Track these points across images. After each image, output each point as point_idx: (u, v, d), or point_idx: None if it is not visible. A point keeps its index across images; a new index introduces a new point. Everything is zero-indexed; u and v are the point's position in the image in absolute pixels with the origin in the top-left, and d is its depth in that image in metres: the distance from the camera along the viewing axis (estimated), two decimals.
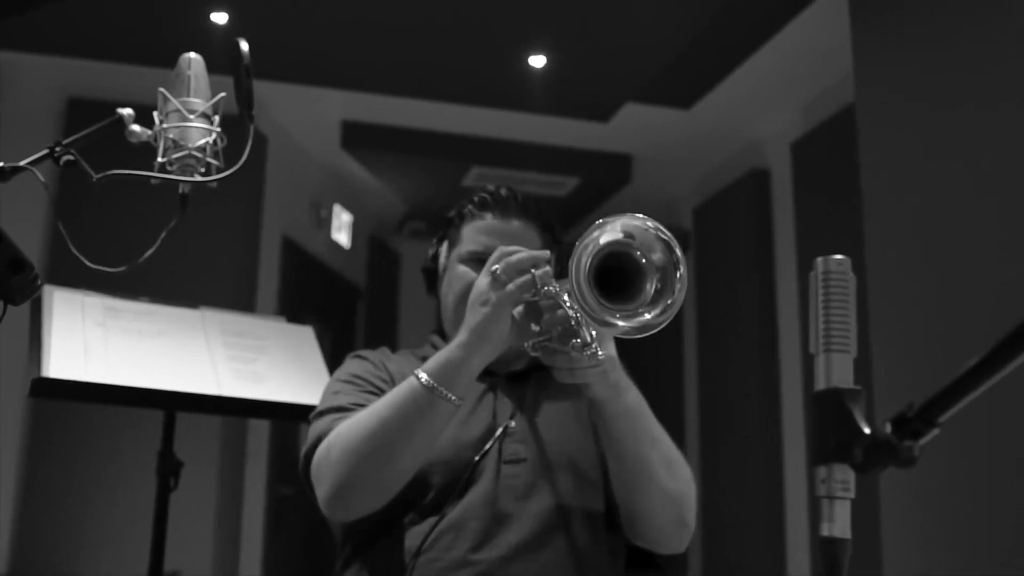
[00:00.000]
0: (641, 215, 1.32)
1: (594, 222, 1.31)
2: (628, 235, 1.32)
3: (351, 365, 1.78)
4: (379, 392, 1.65)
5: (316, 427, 1.62)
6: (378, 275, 6.77)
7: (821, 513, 0.82)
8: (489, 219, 1.76)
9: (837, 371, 0.84)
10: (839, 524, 0.81)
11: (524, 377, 1.76)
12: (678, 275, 1.32)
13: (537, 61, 4.47)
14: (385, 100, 4.98)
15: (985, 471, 2.55)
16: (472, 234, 1.76)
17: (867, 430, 0.77)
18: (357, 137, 5.40)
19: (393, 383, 1.67)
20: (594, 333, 1.38)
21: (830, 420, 0.81)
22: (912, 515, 2.78)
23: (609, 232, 1.31)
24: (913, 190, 2.94)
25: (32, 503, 4.20)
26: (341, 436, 1.52)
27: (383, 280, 6.86)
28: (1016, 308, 2.50)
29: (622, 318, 1.31)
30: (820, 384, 0.84)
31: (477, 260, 1.69)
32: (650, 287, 1.32)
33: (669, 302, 1.32)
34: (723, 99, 4.78)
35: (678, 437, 5.69)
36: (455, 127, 5.36)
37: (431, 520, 1.55)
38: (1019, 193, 2.56)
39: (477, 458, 1.59)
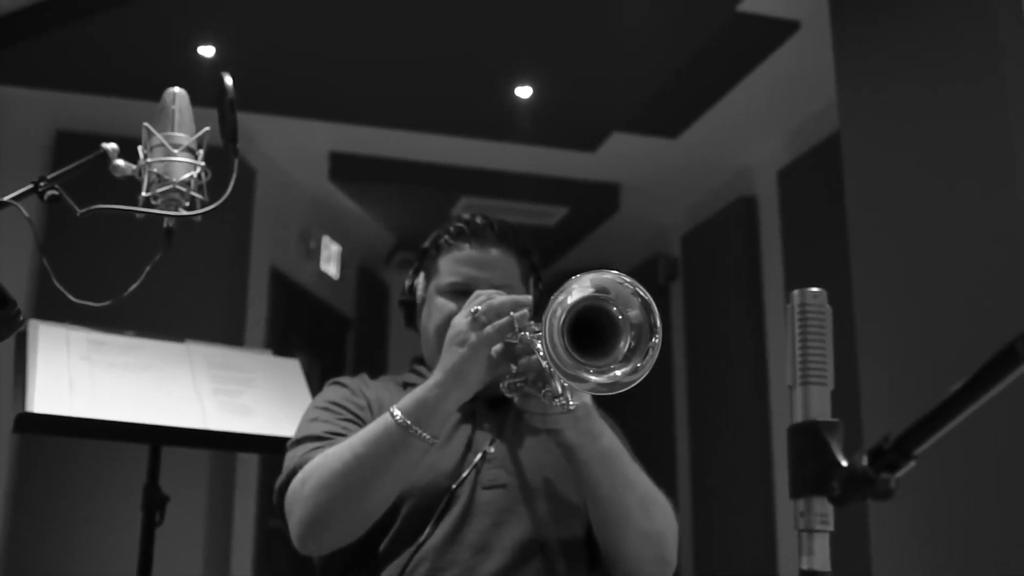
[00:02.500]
0: (617, 272, 1.33)
1: (573, 275, 1.32)
2: (602, 290, 1.32)
3: (329, 392, 1.77)
4: (356, 419, 1.65)
5: (291, 457, 1.61)
6: (367, 306, 6.76)
7: (800, 546, 0.82)
8: (467, 249, 1.75)
9: (815, 403, 0.84)
10: (819, 557, 0.81)
11: (504, 402, 1.75)
12: (653, 340, 1.32)
13: (524, 92, 4.49)
14: (373, 131, 4.99)
15: (975, 487, 2.55)
16: (450, 265, 1.75)
17: (844, 463, 0.77)
18: (345, 168, 5.41)
19: (371, 410, 1.68)
20: (565, 384, 1.38)
21: (808, 453, 0.81)
22: (902, 541, 2.78)
23: (583, 287, 1.31)
24: (898, 217, 2.96)
25: (17, 539, 4.16)
26: (315, 471, 1.51)
27: (372, 311, 6.85)
28: (1003, 336, 2.50)
29: (594, 373, 1.31)
30: (798, 417, 0.84)
31: (456, 292, 1.70)
32: (624, 345, 1.32)
33: (639, 364, 1.32)
34: (710, 128, 4.80)
35: (668, 465, 5.66)
36: (443, 158, 5.37)
37: (408, 551, 1.54)
38: (1006, 221, 2.57)
39: (455, 486, 1.58)
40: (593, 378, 1.30)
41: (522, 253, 1.78)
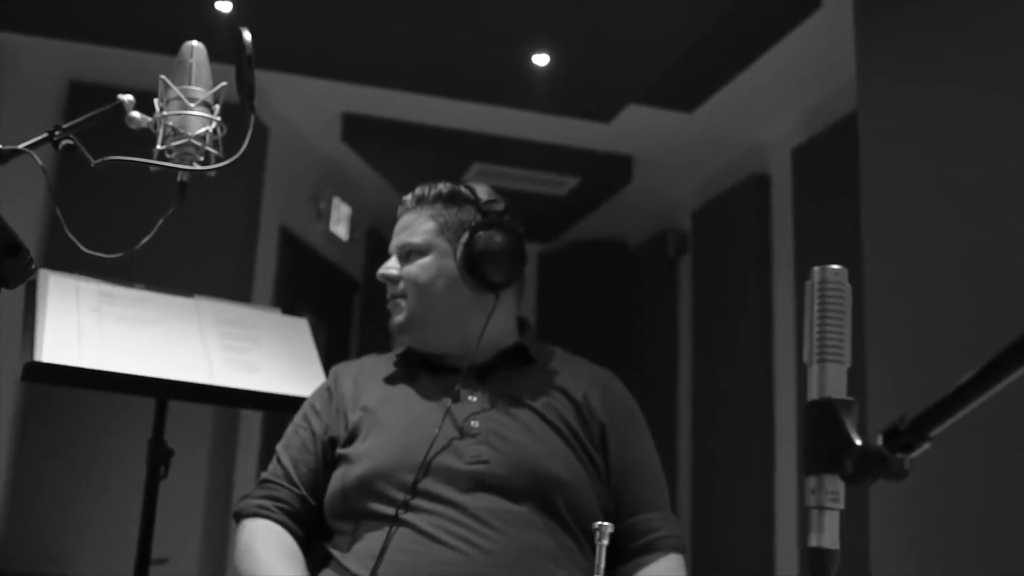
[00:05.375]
0: None
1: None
2: None
3: (312, 394, 1.88)
4: (310, 432, 1.77)
5: (273, 460, 1.79)
6: (375, 268, 6.69)
7: (810, 523, 0.82)
8: (397, 221, 1.86)
9: (831, 381, 0.84)
10: (828, 535, 0.81)
11: (489, 372, 1.76)
12: None
13: (541, 60, 4.47)
14: (387, 94, 4.97)
15: (975, 479, 2.55)
16: None
17: (859, 442, 0.77)
18: (358, 130, 5.39)
19: (345, 408, 1.76)
20: None
21: (822, 430, 0.80)
22: (901, 525, 2.78)
23: None
24: (913, 199, 2.94)
25: (22, 488, 4.19)
26: (238, 556, 1.66)
27: None
28: (1017, 320, 2.50)
29: None
30: (813, 394, 0.84)
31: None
32: None
33: None
34: (726, 103, 4.78)
35: (670, 440, 5.69)
36: (456, 123, 5.35)
37: (388, 524, 1.56)
38: (1021, 202, 2.56)
39: (428, 462, 1.59)
40: None
41: (447, 206, 1.79)
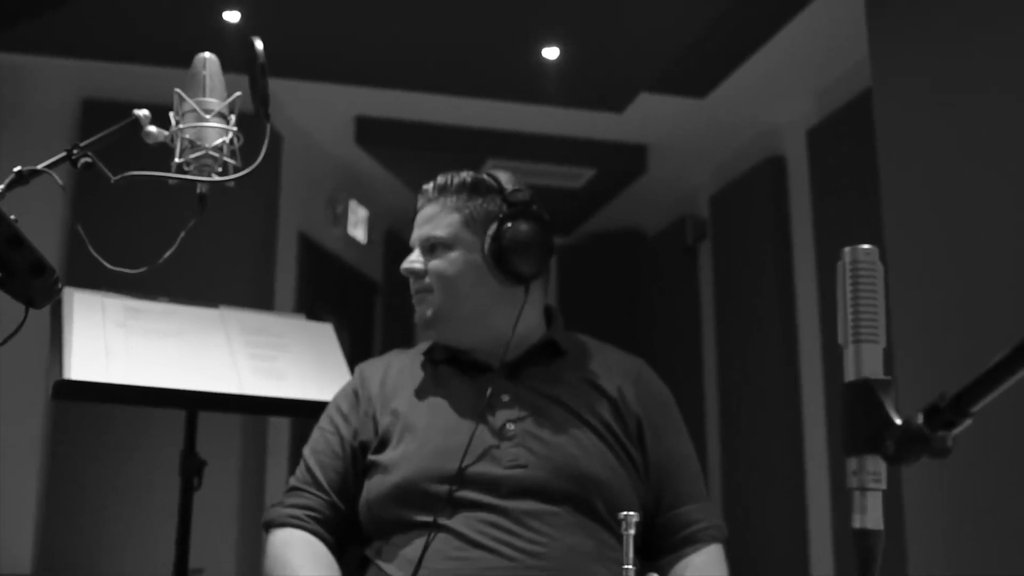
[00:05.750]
0: None
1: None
2: None
3: (337, 395, 1.85)
4: (337, 436, 1.74)
5: (300, 466, 1.78)
6: (395, 270, 6.71)
7: (853, 505, 0.81)
8: (418, 212, 1.81)
9: (867, 361, 0.83)
10: (871, 515, 0.80)
11: (518, 370, 1.73)
12: None
13: (550, 53, 4.46)
14: (399, 95, 4.97)
15: (1010, 463, 2.53)
16: None
17: (899, 421, 0.76)
18: (371, 132, 5.40)
19: (371, 408, 1.74)
20: None
21: (861, 411, 0.80)
22: (936, 508, 2.76)
23: None
24: (932, 176, 2.92)
25: (56, 504, 4.22)
26: (268, 562, 1.67)
27: (400, 275, 6.83)
28: None
29: None
30: (850, 375, 0.83)
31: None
32: None
33: None
34: (738, 87, 4.75)
35: (698, 428, 5.67)
36: (469, 120, 5.34)
37: (428, 530, 1.54)
38: None
39: (466, 466, 1.57)
40: None
41: (472, 197, 1.74)
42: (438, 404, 1.70)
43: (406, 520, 1.58)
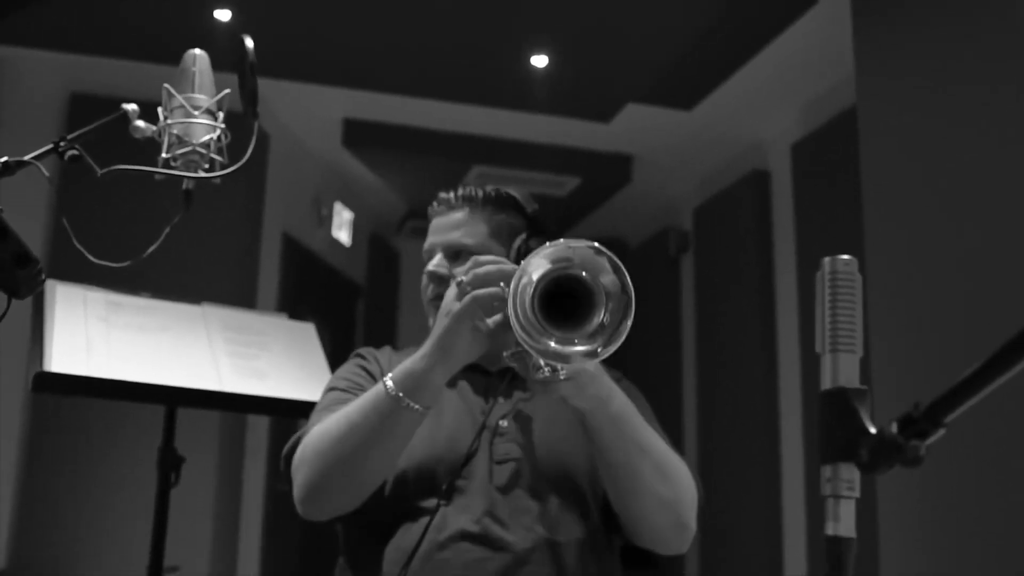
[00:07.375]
0: (596, 245, 1.33)
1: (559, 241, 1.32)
2: (571, 261, 1.31)
3: (344, 367, 1.81)
4: (362, 390, 1.66)
5: (305, 427, 1.65)
6: (378, 273, 6.76)
7: (826, 512, 0.82)
8: (436, 218, 1.79)
9: (844, 371, 0.84)
10: (844, 523, 0.81)
11: (516, 374, 1.76)
12: (624, 323, 1.30)
13: (539, 61, 4.47)
14: (387, 98, 4.98)
15: (983, 469, 2.56)
16: (428, 235, 1.80)
17: (873, 430, 0.77)
18: (358, 135, 5.40)
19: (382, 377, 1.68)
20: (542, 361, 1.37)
21: (836, 419, 0.81)
22: (910, 514, 2.78)
23: (553, 257, 1.31)
24: (913, 192, 2.95)
25: (32, 498, 4.20)
26: (314, 438, 1.54)
27: (383, 278, 6.86)
28: (1016, 310, 2.50)
29: (559, 343, 1.29)
30: (826, 383, 0.84)
31: (429, 260, 1.76)
32: (597, 319, 1.31)
33: (599, 349, 1.30)
34: (724, 101, 4.78)
35: (676, 437, 5.68)
36: (457, 126, 5.36)
37: (423, 521, 1.56)
38: (1020, 195, 2.56)
39: (465, 460, 1.60)
40: (557, 347, 1.29)
41: (497, 210, 1.77)
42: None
43: (402, 511, 1.60)
